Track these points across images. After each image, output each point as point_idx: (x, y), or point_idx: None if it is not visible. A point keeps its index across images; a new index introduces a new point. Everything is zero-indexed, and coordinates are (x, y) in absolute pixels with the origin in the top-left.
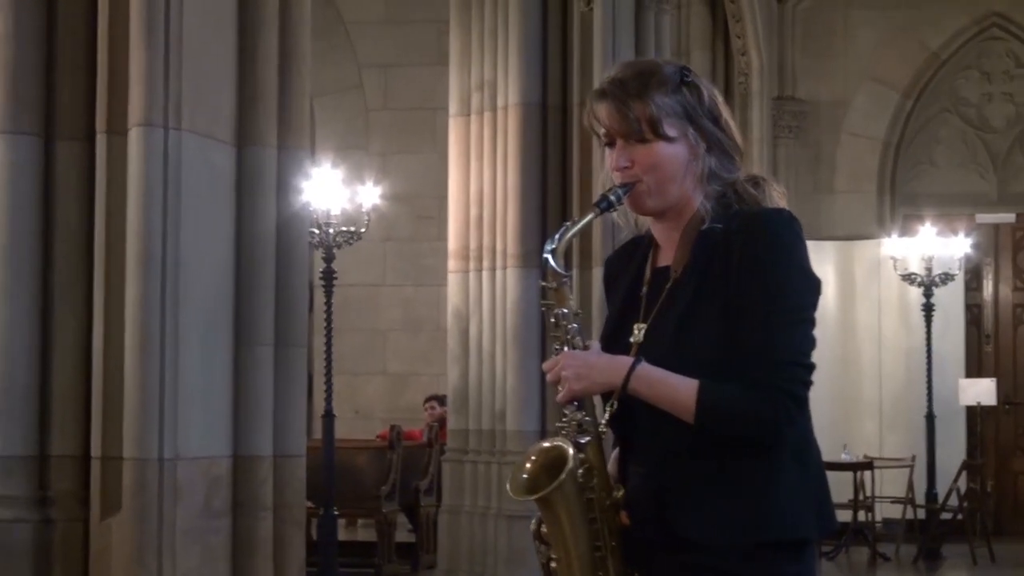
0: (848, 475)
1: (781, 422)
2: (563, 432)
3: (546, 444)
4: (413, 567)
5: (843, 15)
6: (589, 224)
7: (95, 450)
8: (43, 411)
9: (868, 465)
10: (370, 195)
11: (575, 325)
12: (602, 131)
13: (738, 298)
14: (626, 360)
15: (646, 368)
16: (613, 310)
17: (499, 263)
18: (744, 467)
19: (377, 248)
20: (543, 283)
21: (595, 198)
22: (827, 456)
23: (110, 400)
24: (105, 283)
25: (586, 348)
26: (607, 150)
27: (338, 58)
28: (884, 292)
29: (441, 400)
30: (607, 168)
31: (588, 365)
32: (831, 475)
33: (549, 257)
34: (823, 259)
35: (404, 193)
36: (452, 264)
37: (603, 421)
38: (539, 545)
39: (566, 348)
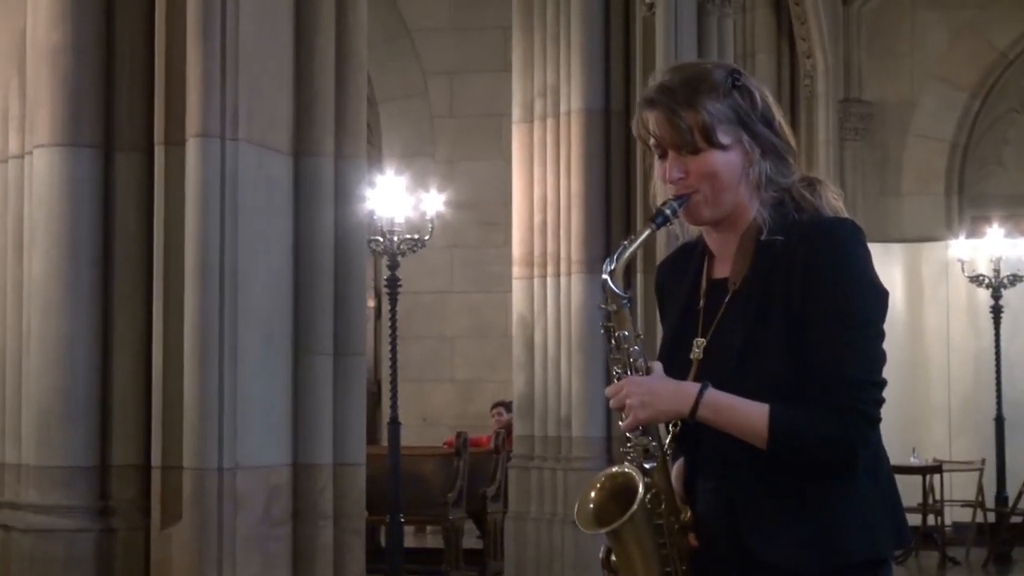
0: (917, 479)
1: (856, 444)
2: (628, 457)
3: (612, 471)
4: (480, 574)
5: (909, 15)
6: (646, 241)
7: (155, 460)
8: (104, 421)
9: (937, 469)
10: (434, 202)
11: (636, 348)
12: (652, 140)
13: (804, 315)
14: (692, 388)
15: (713, 395)
16: (670, 323)
17: (563, 269)
18: (819, 484)
19: (444, 255)
20: (602, 306)
21: (652, 208)
22: (896, 460)
23: (170, 410)
24: (164, 294)
25: (648, 370)
26: (657, 159)
27: (403, 65)
28: (952, 294)
29: (508, 406)
30: (657, 176)
31: (653, 393)
32: (900, 479)
33: (608, 279)
34: (890, 262)
35: (470, 200)
36: (517, 271)
37: (667, 442)
38: (607, 574)
39: (628, 372)
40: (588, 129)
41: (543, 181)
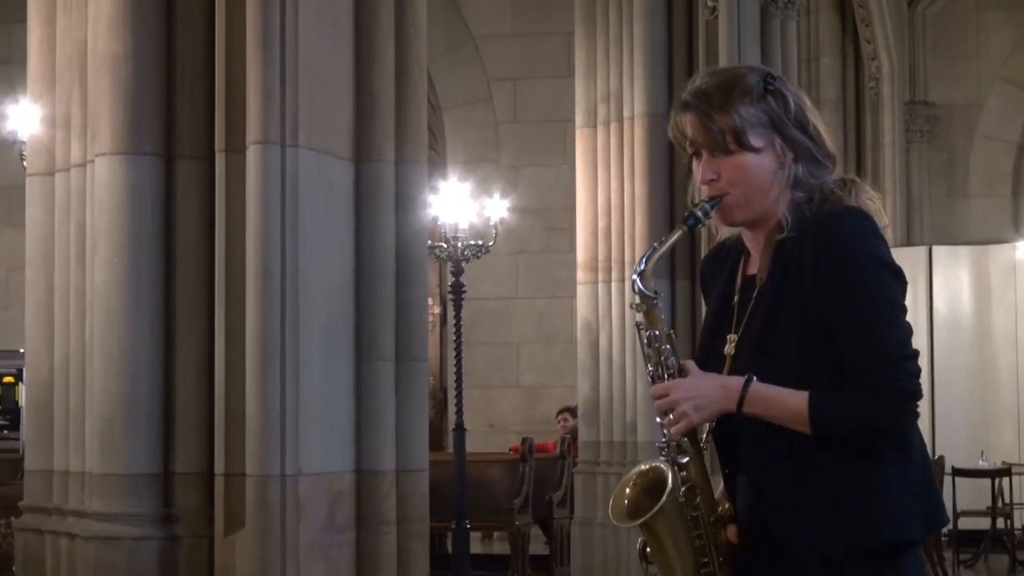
0: (986, 482)
1: (897, 418)
2: (663, 452)
3: (644, 467)
4: None
5: (974, 17)
6: (677, 242)
7: (218, 467)
8: (167, 429)
9: (1006, 472)
10: (497, 208)
11: (668, 346)
12: (687, 142)
13: (819, 306)
14: (736, 383)
15: (757, 388)
16: (707, 318)
17: (627, 274)
18: (844, 471)
19: (509, 261)
20: (632, 305)
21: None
22: (965, 463)
23: (232, 417)
24: (226, 301)
25: (681, 369)
26: (694, 161)
27: (467, 71)
28: (1020, 296)
29: (573, 412)
30: (695, 179)
31: (704, 395)
32: (969, 482)
33: (637, 280)
34: (957, 264)
35: (535, 205)
36: (581, 275)
37: (703, 436)
38: (645, 565)
39: (660, 370)
40: (651, 133)
41: (607, 186)
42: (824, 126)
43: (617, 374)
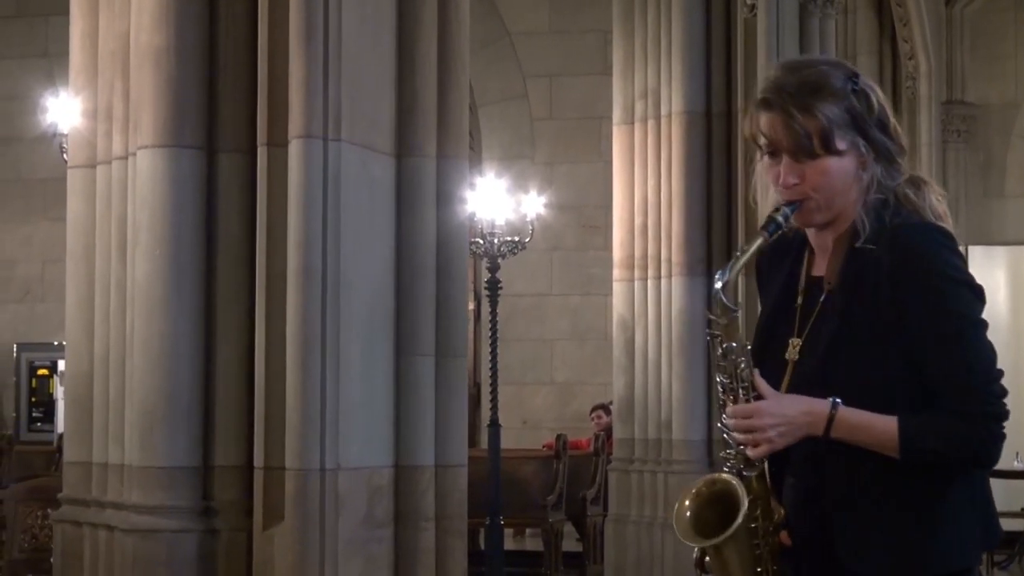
0: (1022, 483)
1: (988, 443)
2: (728, 464)
3: (711, 477)
4: None
5: (1013, 17)
6: (759, 251)
7: (258, 460)
8: (206, 422)
9: None
10: (534, 204)
11: (743, 359)
12: (764, 140)
13: (901, 324)
14: (822, 409)
15: (843, 413)
16: (764, 315)
17: (663, 271)
18: (912, 489)
19: (544, 258)
20: (711, 316)
21: (758, 213)
22: (1000, 464)
23: (272, 410)
24: (266, 295)
25: (753, 380)
26: (767, 159)
27: (503, 68)
28: None
29: (607, 409)
30: (757, 175)
31: (789, 422)
32: (1004, 484)
33: (720, 292)
34: (993, 264)
35: (570, 202)
36: (617, 273)
37: None
38: (700, 574)
39: (734, 382)
40: (689, 131)
41: (644, 183)
42: (898, 121)
43: (652, 372)
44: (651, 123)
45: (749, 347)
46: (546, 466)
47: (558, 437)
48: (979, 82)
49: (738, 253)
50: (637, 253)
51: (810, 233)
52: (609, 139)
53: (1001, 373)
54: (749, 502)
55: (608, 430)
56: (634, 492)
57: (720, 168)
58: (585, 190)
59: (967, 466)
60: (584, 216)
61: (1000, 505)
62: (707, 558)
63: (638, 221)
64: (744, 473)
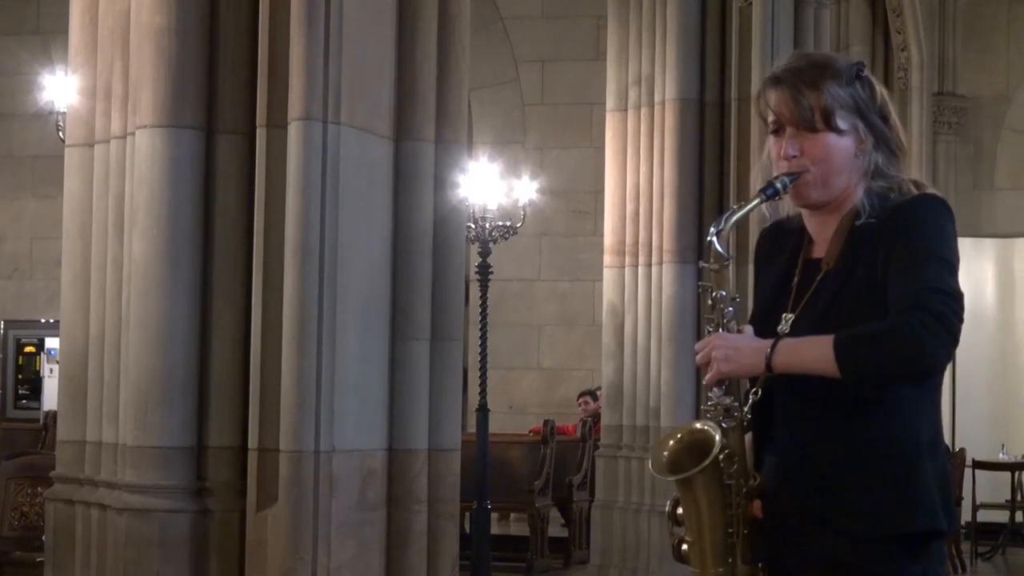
0: (1006, 475)
1: (921, 336)
2: (709, 415)
3: (693, 426)
4: (565, 562)
5: (1006, 9)
6: (754, 210)
7: (252, 442)
8: (201, 402)
9: None
10: (526, 189)
11: (731, 308)
12: (771, 118)
13: (886, 273)
14: (770, 340)
15: (786, 340)
16: (762, 297)
17: (655, 258)
18: (885, 457)
19: (533, 243)
20: (704, 264)
21: (755, 187)
22: (985, 456)
23: (267, 392)
24: (263, 277)
25: (740, 332)
26: (772, 137)
27: (495, 52)
28: None
29: (594, 395)
30: (766, 154)
31: (737, 348)
32: (989, 475)
33: (714, 239)
34: (982, 256)
35: (560, 188)
36: (608, 259)
37: (746, 408)
38: (672, 526)
39: (720, 331)
40: (682, 119)
41: (636, 170)
42: (901, 123)
43: (641, 359)
44: (644, 110)
45: (737, 298)
46: (533, 451)
47: (546, 423)
48: (970, 74)
49: (734, 207)
50: (628, 240)
51: (809, 223)
52: (600, 125)
53: (958, 294)
54: (726, 455)
55: (595, 416)
56: (621, 478)
57: (713, 156)
58: (575, 176)
59: (903, 367)
60: (574, 202)
61: (984, 497)
62: (679, 509)
63: (630, 208)
64: (723, 424)
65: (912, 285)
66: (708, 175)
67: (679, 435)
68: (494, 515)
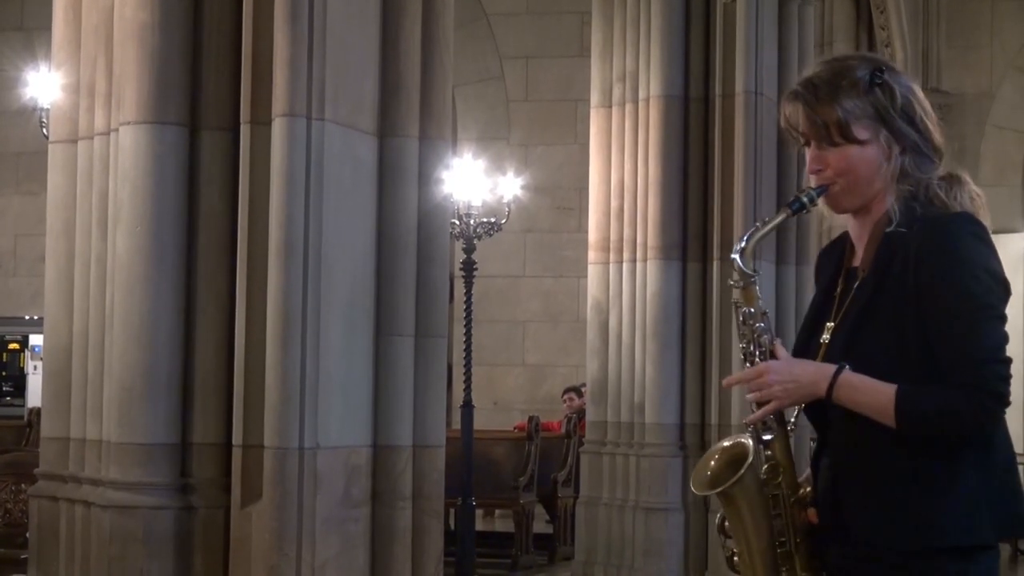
0: None
1: (981, 418)
2: (749, 429)
3: (728, 442)
4: (550, 558)
5: (989, 6)
6: (779, 225)
7: (236, 438)
8: (185, 399)
9: None
10: (511, 186)
11: (762, 324)
12: (797, 132)
13: (918, 306)
14: (829, 370)
15: (848, 376)
16: (811, 305)
17: (639, 255)
18: (924, 467)
19: (517, 239)
20: (731, 282)
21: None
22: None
23: (251, 389)
24: (247, 273)
25: (772, 347)
26: (806, 149)
27: (480, 49)
28: None
29: (579, 391)
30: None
31: (795, 380)
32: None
33: (737, 257)
34: None
35: (544, 184)
36: (592, 256)
37: (792, 419)
38: (723, 539)
39: (753, 347)
40: (667, 115)
41: (620, 167)
42: (935, 118)
43: (626, 355)
44: (629, 107)
45: (767, 313)
46: (518, 447)
47: (530, 419)
48: (954, 71)
49: (758, 224)
50: (613, 236)
51: (851, 228)
52: (585, 121)
53: (1008, 360)
54: (769, 467)
55: (580, 412)
56: (606, 475)
57: (697, 153)
58: (560, 172)
59: (958, 438)
60: (558, 198)
61: None
62: (727, 522)
63: (614, 204)
64: (763, 438)
65: (967, 352)
66: (693, 172)
67: (719, 453)
68: (479, 511)
